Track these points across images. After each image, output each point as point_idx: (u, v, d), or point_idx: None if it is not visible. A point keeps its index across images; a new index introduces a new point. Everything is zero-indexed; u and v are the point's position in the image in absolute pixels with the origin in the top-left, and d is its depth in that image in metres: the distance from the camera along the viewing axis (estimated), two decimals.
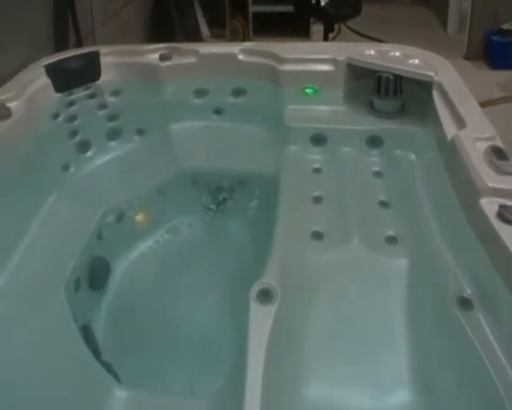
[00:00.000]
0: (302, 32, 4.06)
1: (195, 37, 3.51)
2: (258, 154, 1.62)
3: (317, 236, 1.24)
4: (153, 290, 1.40)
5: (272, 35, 4.04)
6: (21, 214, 1.25)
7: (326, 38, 3.44)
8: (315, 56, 1.71)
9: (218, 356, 1.15)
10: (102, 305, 1.31)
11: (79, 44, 2.09)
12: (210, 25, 3.81)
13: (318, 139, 1.59)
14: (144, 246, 1.51)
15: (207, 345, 1.20)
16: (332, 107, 1.68)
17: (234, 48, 1.75)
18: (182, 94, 1.73)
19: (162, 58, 1.75)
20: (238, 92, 1.75)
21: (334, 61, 1.68)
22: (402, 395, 0.88)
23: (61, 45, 1.95)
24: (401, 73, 1.57)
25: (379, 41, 3.52)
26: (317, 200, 1.37)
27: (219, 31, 3.92)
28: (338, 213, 1.28)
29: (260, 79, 1.73)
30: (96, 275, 1.29)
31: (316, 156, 1.55)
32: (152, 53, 1.77)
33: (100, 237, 1.37)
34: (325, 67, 1.69)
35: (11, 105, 1.46)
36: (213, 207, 1.68)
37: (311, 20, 4.06)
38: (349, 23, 3.80)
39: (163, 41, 3.32)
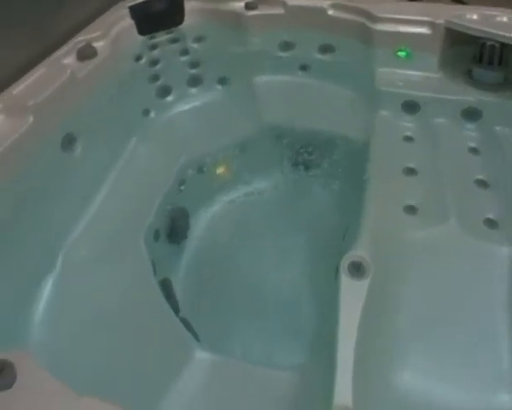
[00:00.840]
0: None
1: None
2: (346, 116, 1.54)
3: (411, 210, 1.16)
4: (233, 249, 1.36)
5: None
6: (103, 157, 1.23)
7: None
8: (411, 17, 1.59)
9: (299, 326, 1.11)
10: (181, 259, 1.28)
11: None
12: None
13: (410, 106, 1.48)
14: (224, 202, 1.47)
15: (287, 312, 1.16)
16: (426, 73, 1.56)
17: (324, 2, 1.65)
18: (267, 46, 1.65)
19: (248, 7, 1.67)
20: (326, 49, 1.66)
21: (431, 24, 1.55)
22: (503, 397, 0.81)
23: None
24: (509, 42, 1.43)
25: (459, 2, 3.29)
26: (410, 172, 1.28)
27: None
28: (432, 187, 1.19)
29: (350, 37, 1.62)
30: (177, 227, 1.27)
31: (407, 124, 1.45)
32: (237, 0, 1.70)
33: (180, 187, 1.34)
34: (421, 30, 1.57)
35: (97, 45, 1.43)
36: (297, 167, 1.61)
37: None
38: None
39: None
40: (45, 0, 1.40)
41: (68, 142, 1.20)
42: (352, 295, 0.86)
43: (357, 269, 0.91)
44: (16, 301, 0.97)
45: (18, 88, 1.19)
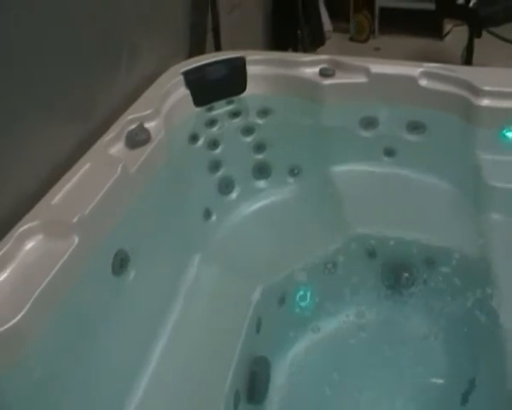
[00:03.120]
0: (434, 33, 3.58)
1: (318, 30, 3.15)
2: (448, 220, 1.25)
3: None
4: (321, 400, 1.06)
5: (400, 33, 3.60)
6: (162, 285, 0.96)
7: (470, 45, 2.97)
8: None
9: None
10: None
11: (218, 47, 1.78)
12: (332, 18, 3.43)
13: None
14: (307, 338, 1.17)
15: None
16: None
17: (414, 69, 1.38)
18: (345, 122, 1.38)
19: (323, 74, 1.41)
20: (415, 127, 1.39)
21: None
22: None
23: (197, 48, 1.64)
24: None
25: None
26: None
27: (343, 25, 3.53)
28: None
29: (446, 113, 1.35)
30: (257, 384, 0.98)
31: None
32: (309, 66, 1.44)
33: (259, 327, 1.05)
34: None
35: (149, 125, 1.18)
36: (392, 291, 1.29)
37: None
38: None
39: (284, 33, 3.07)
40: (91, 72, 1.16)
41: (120, 263, 0.94)
42: None
43: None
44: None
45: (58, 196, 0.93)
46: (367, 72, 1.38)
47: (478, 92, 1.31)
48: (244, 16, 2.66)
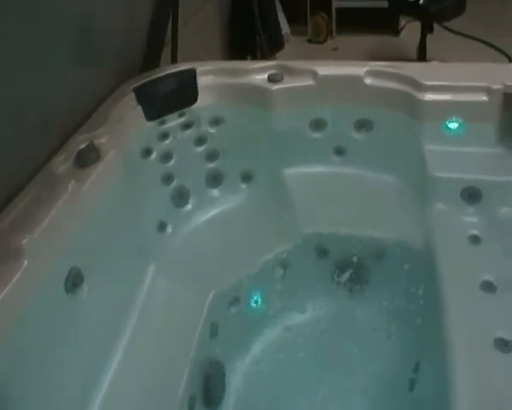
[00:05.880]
0: (390, 30, 3.67)
1: (276, 34, 3.19)
2: (395, 213, 1.29)
3: (504, 345, 0.91)
4: (279, 399, 1.09)
5: (357, 32, 3.68)
6: (117, 297, 0.98)
7: (423, 40, 3.06)
8: (462, 83, 1.36)
9: None
10: None
11: (174, 60, 1.79)
12: (290, 21, 3.49)
13: (471, 195, 1.25)
14: (263, 341, 1.19)
15: None
16: (485, 149, 1.33)
17: (360, 69, 1.42)
18: (296, 125, 1.42)
19: (271, 79, 1.44)
20: (363, 125, 1.43)
21: (487, 90, 1.33)
22: None
23: (152, 62, 1.65)
24: None
25: (486, 44, 3.12)
26: (488, 287, 1.03)
27: (300, 28, 3.58)
28: None
29: (391, 109, 1.40)
30: (213, 388, 1.01)
31: (471, 219, 1.21)
32: (258, 72, 1.46)
33: (213, 332, 1.08)
34: (475, 97, 1.35)
35: (100, 144, 1.19)
36: (344, 286, 1.33)
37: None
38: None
39: (242, 40, 3.11)
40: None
41: (73, 281, 0.95)
42: None
43: None
44: None
45: (5, 221, 0.94)
46: (314, 74, 1.42)
47: (420, 87, 1.35)
48: (201, 27, 2.69)
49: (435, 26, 3.54)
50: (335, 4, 3.63)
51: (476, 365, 0.88)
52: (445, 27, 3.33)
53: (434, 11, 2.93)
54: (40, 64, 1.10)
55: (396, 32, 3.68)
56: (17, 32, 1.01)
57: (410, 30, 3.65)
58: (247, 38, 3.02)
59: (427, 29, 3.03)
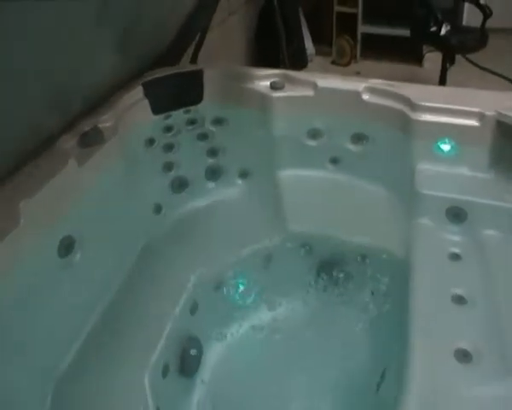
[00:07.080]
0: (414, 59, 3.72)
1: (300, 53, 3.28)
2: (382, 223, 1.35)
3: (464, 356, 0.95)
4: (251, 385, 1.15)
5: (381, 58, 3.74)
6: (106, 269, 1.06)
7: (444, 70, 3.10)
8: (456, 107, 1.42)
9: None
10: (192, 396, 1.08)
11: (194, 60, 1.87)
12: (315, 41, 3.57)
13: (456, 214, 1.29)
14: (241, 327, 1.26)
15: None
16: (474, 172, 1.37)
17: (358, 85, 1.49)
18: (294, 132, 1.49)
19: (274, 87, 1.52)
20: (359, 138, 1.49)
21: (479, 115, 1.38)
22: None
23: (175, 57, 1.74)
24: None
25: (505, 78, 3.15)
26: (459, 300, 1.07)
27: (326, 49, 3.66)
28: (488, 323, 0.99)
29: (386, 126, 1.46)
30: (188, 361, 1.07)
31: (453, 237, 1.25)
32: (262, 79, 1.55)
33: (194, 310, 1.15)
34: (467, 122, 1.39)
35: (104, 127, 1.29)
36: (325, 288, 1.39)
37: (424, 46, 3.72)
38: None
39: (266, 56, 3.20)
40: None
41: (66, 247, 1.04)
42: None
43: None
44: None
45: (11, 183, 1.04)
46: (314, 86, 1.49)
47: (415, 107, 1.41)
48: (224, 36, 2.78)
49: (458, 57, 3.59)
50: (361, 29, 3.71)
51: (432, 373, 0.92)
52: (467, 59, 3.37)
53: (455, 43, 2.98)
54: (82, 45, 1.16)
55: (419, 60, 3.73)
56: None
57: (435, 59, 3.70)
58: (271, 53, 3.11)
59: (448, 60, 3.08)
